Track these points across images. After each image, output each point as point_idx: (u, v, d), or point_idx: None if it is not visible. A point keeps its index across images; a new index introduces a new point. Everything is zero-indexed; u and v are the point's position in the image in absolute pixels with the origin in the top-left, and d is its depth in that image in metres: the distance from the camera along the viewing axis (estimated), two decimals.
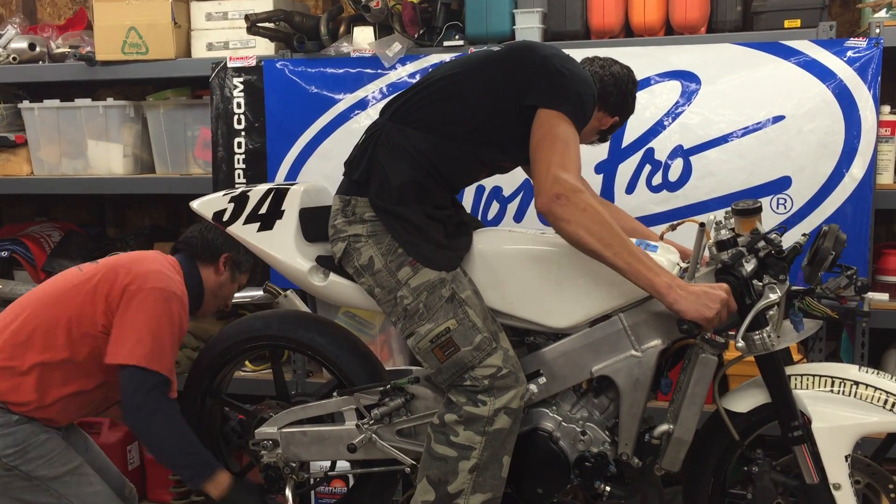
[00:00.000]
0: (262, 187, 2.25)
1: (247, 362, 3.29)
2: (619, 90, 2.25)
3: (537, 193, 1.92)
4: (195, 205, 2.31)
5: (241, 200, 2.23)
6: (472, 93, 2.06)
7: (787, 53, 2.77)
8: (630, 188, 2.94)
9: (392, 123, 2.10)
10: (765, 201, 2.79)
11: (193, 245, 2.42)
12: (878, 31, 2.70)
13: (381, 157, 2.06)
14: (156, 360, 2.18)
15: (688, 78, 2.88)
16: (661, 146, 2.90)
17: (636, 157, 2.94)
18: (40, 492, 2.22)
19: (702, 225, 1.95)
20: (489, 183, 3.04)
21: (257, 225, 2.21)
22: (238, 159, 3.30)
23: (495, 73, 2.07)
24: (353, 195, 2.09)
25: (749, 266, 1.92)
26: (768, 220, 2.72)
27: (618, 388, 2.07)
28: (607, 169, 2.95)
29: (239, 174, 3.30)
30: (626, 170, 2.94)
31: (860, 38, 2.72)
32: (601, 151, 2.94)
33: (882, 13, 2.78)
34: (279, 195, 2.22)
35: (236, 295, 3.22)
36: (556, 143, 1.92)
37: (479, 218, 3.02)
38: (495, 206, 3.08)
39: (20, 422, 2.21)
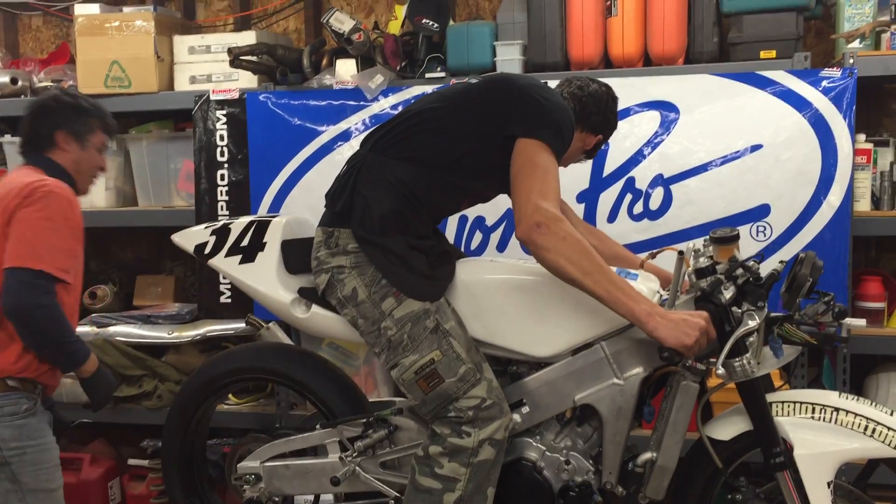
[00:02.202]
0: (244, 219, 2.25)
1: (230, 395, 3.27)
2: (599, 108, 2.27)
3: (518, 221, 1.93)
4: (176, 238, 2.31)
5: (222, 233, 2.23)
6: (451, 125, 2.08)
7: (764, 83, 2.81)
8: (612, 217, 2.96)
9: (373, 155, 2.11)
10: (744, 229, 2.82)
11: (30, 142, 2.37)
12: (851, 61, 2.75)
13: (363, 189, 2.07)
14: (37, 259, 2.14)
15: (667, 108, 2.92)
16: (642, 175, 2.93)
17: (617, 186, 2.97)
18: (14, 497, 2.20)
19: (680, 253, 1.97)
20: (472, 212, 3.06)
21: (239, 257, 2.21)
22: (221, 191, 3.30)
23: (474, 104, 2.09)
24: (336, 227, 2.10)
25: (728, 293, 1.93)
26: (748, 247, 2.75)
27: (601, 416, 2.07)
28: (589, 198, 2.98)
29: (222, 206, 3.30)
30: (607, 198, 2.96)
31: (835, 69, 2.77)
32: (583, 181, 2.97)
33: (855, 44, 2.83)
34: (261, 227, 2.22)
35: (219, 327, 3.23)
36: (535, 171, 1.94)
37: (462, 247, 3.03)
38: (478, 236, 3.09)
39: (28, 412, 2.21)
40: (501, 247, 3.06)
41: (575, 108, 2.20)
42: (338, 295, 2.09)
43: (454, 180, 2.09)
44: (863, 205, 2.83)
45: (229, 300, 3.28)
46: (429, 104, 2.14)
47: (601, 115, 2.27)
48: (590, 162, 2.98)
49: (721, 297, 1.93)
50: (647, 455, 2.05)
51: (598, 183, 2.98)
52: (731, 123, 2.84)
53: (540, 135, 1.98)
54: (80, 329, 3.34)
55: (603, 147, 2.94)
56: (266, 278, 2.20)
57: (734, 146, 2.84)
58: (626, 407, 2.05)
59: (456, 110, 2.10)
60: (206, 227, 2.27)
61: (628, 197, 2.96)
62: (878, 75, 2.78)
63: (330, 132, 3.17)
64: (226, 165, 3.29)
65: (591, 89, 2.27)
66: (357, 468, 2.19)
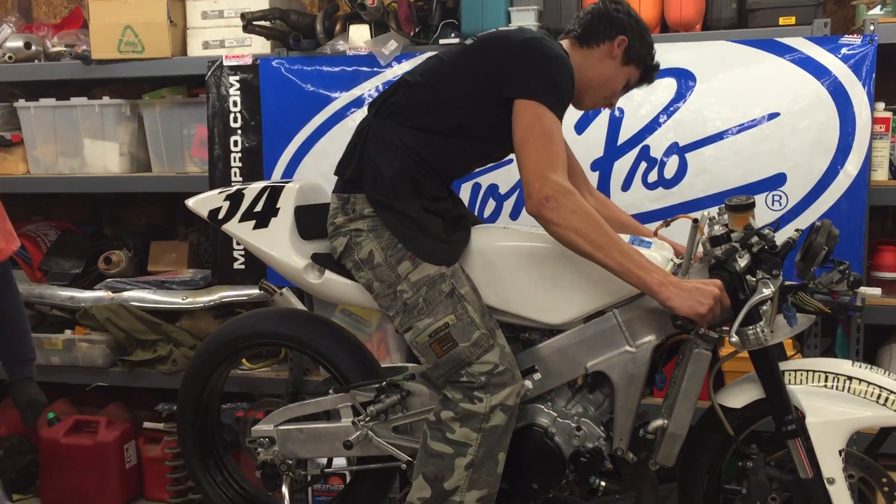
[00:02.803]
0: (258, 185, 2.25)
1: (244, 360, 3.30)
2: (646, 38, 2.18)
3: (527, 197, 1.92)
4: (190, 203, 2.31)
5: (236, 198, 2.24)
6: (449, 90, 2.06)
7: (782, 51, 2.77)
8: (626, 185, 2.94)
9: (379, 119, 2.11)
10: (760, 198, 2.80)
11: None
12: (872, 28, 2.71)
13: (371, 152, 2.07)
14: None
15: (683, 75, 2.89)
16: (657, 143, 2.91)
17: (632, 155, 2.94)
18: None
19: (695, 221, 1.96)
20: (485, 180, 3.05)
21: (252, 223, 2.22)
22: (234, 157, 3.30)
23: (470, 67, 2.06)
24: (351, 192, 2.10)
25: (742, 261, 1.92)
26: (764, 216, 2.72)
27: (612, 383, 2.08)
28: (603, 166, 2.96)
29: (235, 172, 3.30)
30: (622, 167, 2.94)
31: (855, 35, 2.72)
32: (597, 149, 2.94)
33: (876, 10, 2.79)
34: (274, 193, 2.22)
35: (232, 293, 3.25)
36: (539, 139, 1.92)
37: (476, 215, 3.02)
38: (491, 204, 3.08)
39: None
40: (515, 214, 3.05)
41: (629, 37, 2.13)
42: (354, 258, 2.10)
43: (460, 144, 2.08)
44: (880, 174, 2.80)
45: (243, 266, 3.29)
46: (427, 69, 2.13)
47: (645, 45, 2.18)
48: (604, 130, 2.98)
49: (735, 266, 1.92)
50: (658, 422, 2.06)
51: (613, 151, 2.96)
52: (749, 91, 2.81)
53: (538, 95, 1.94)
54: (96, 294, 3.38)
55: (619, 115, 2.96)
56: (279, 244, 2.20)
57: (751, 114, 2.81)
58: (638, 374, 2.05)
59: (453, 75, 2.07)
60: (220, 193, 2.28)
61: (643, 165, 2.94)
62: None
63: (343, 98, 3.16)
64: (239, 132, 3.29)
65: (636, 15, 2.18)
66: (370, 432, 2.21)
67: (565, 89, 2.01)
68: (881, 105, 2.80)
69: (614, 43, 2.13)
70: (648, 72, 2.22)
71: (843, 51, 2.72)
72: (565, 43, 2.16)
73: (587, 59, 2.14)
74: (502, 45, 2.04)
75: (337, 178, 2.18)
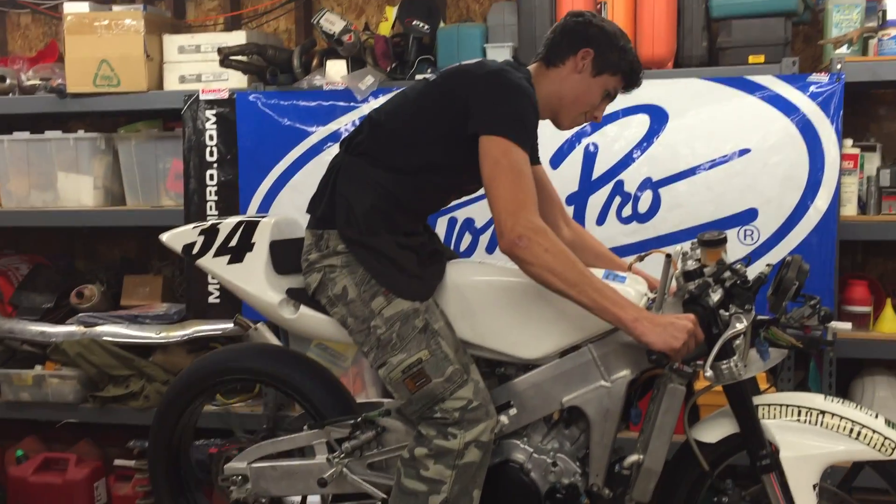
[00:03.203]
0: (233, 220, 2.25)
1: (218, 395, 3.26)
2: (614, 44, 2.10)
3: (499, 235, 1.91)
4: (164, 238, 2.30)
5: (210, 233, 2.22)
6: (414, 127, 2.05)
7: (752, 88, 2.83)
8: (601, 220, 2.97)
9: (349, 157, 2.11)
10: (732, 233, 2.84)
11: None
12: (839, 66, 2.77)
13: (343, 189, 2.07)
14: None
15: (656, 111, 2.93)
16: (631, 178, 2.94)
17: (606, 189, 2.98)
18: None
19: (668, 256, 1.98)
20: (461, 215, 3.06)
21: (227, 258, 2.20)
22: (210, 191, 3.29)
23: (434, 103, 2.05)
24: (324, 228, 2.09)
25: (715, 296, 1.94)
26: (736, 251, 2.76)
27: (588, 418, 2.08)
28: (578, 201, 2.98)
29: (211, 206, 3.29)
30: (596, 201, 2.97)
31: (822, 74, 2.78)
32: (572, 184, 2.97)
33: (843, 49, 2.85)
34: (250, 227, 2.22)
35: (207, 328, 3.22)
36: (508, 175, 1.90)
37: (452, 249, 3.03)
38: (468, 238, 3.10)
39: None
40: (491, 248, 3.06)
41: (594, 47, 2.08)
42: (328, 294, 2.09)
43: (430, 179, 2.08)
44: (849, 209, 2.85)
45: (218, 300, 3.27)
46: (393, 107, 2.12)
47: (618, 51, 2.11)
48: (579, 165, 3.01)
49: (709, 300, 1.94)
50: (634, 457, 2.06)
51: (588, 186, 2.99)
52: (720, 127, 2.85)
53: (503, 131, 1.93)
54: (68, 328, 3.34)
55: (593, 150, 2.99)
56: (254, 279, 2.19)
57: (722, 150, 2.86)
58: (614, 409, 2.05)
59: (417, 112, 2.06)
60: (195, 227, 2.26)
61: (617, 200, 2.97)
62: (866, 81, 2.81)
63: (320, 133, 3.17)
64: (215, 165, 3.28)
65: (598, 23, 2.12)
66: (344, 469, 2.18)
67: (529, 121, 2.00)
68: (849, 142, 2.85)
69: (577, 57, 2.09)
70: (629, 76, 2.15)
71: (812, 88, 2.78)
72: (533, 67, 2.15)
73: (555, 78, 2.11)
74: (464, 80, 2.02)
75: (309, 214, 2.17)
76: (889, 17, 2.80)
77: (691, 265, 1.98)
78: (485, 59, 2.12)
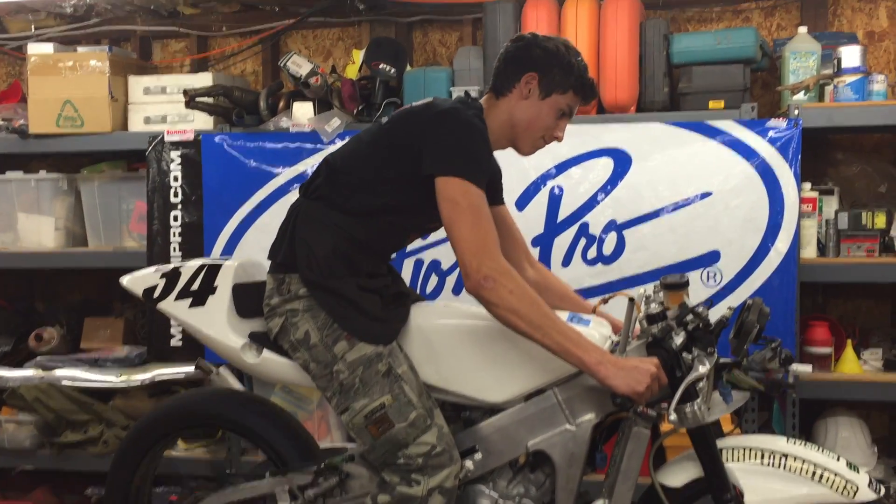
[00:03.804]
0: (195, 263, 2.22)
1: (179, 440, 3.20)
2: (557, 62, 2.05)
3: (464, 276, 1.91)
4: (125, 281, 2.26)
5: (172, 276, 2.19)
6: (369, 171, 2.05)
7: (713, 133, 2.88)
8: (566, 261, 2.99)
9: (308, 201, 2.11)
10: (696, 274, 2.87)
11: None
12: (796, 112, 2.84)
13: (303, 233, 2.06)
14: None
15: (619, 155, 2.98)
16: (596, 220, 2.97)
17: (571, 231, 3.00)
18: None
19: (631, 299, 1.99)
20: (427, 256, 3.07)
21: (189, 301, 2.17)
22: (174, 232, 3.27)
23: (387, 146, 2.04)
24: (286, 273, 2.08)
25: (678, 339, 1.95)
26: (700, 293, 2.78)
27: (553, 462, 2.06)
28: (543, 242, 3.00)
29: (175, 247, 3.26)
30: (561, 243, 3.00)
31: (781, 119, 2.85)
32: (538, 226, 2.99)
33: (800, 95, 2.92)
34: (212, 271, 2.19)
35: (168, 371, 3.17)
36: (468, 217, 1.90)
37: (418, 291, 3.02)
38: (434, 279, 3.10)
39: None
40: (457, 290, 3.06)
41: (538, 67, 2.04)
42: (290, 339, 2.06)
43: (389, 220, 2.07)
44: (809, 252, 2.89)
45: (180, 343, 3.23)
46: (348, 150, 2.12)
47: (562, 68, 2.06)
48: (545, 207, 3.03)
49: (672, 343, 1.95)
50: (599, 502, 2.04)
51: (553, 228, 3.01)
52: (682, 171, 2.90)
53: (458, 171, 1.92)
54: (25, 372, 3.26)
55: (558, 192, 3.01)
56: (216, 322, 2.16)
57: (685, 193, 2.90)
58: (579, 453, 2.04)
59: (371, 156, 2.06)
60: (156, 270, 2.23)
61: (582, 242, 3.00)
62: (823, 126, 2.88)
63: (286, 174, 3.17)
64: (179, 206, 3.26)
65: (541, 45, 2.07)
66: None
67: (482, 158, 1.98)
68: (807, 185, 2.91)
69: (522, 83, 2.05)
70: (581, 90, 2.09)
71: (770, 133, 2.84)
72: (484, 100, 2.14)
73: (505, 108, 2.08)
74: (414, 121, 2.02)
75: (269, 260, 2.15)
76: (844, 64, 2.88)
77: (654, 308, 1.99)
78: (435, 98, 2.09)
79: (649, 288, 2.11)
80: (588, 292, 2.89)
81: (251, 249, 3.13)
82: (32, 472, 3.34)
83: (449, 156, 1.94)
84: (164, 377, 3.19)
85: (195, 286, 2.18)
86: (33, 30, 3.69)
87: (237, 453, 3.12)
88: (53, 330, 3.42)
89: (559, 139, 2.15)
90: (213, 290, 2.17)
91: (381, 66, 3.18)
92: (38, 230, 3.40)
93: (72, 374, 3.25)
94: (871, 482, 1.94)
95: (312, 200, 2.09)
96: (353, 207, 2.05)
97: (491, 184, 2.16)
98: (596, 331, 2.09)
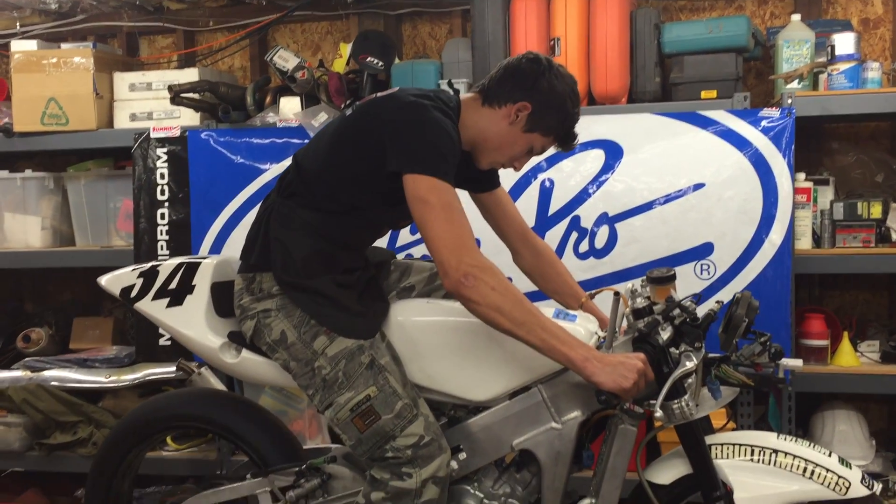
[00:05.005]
0: (173, 261, 2.18)
1: (169, 441, 3.17)
2: (556, 106, 2.00)
3: (443, 274, 1.85)
4: (103, 281, 2.22)
5: (150, 275, 2.15)
6: (333, 168, 1.99)
7: (705, 123, 2.83)
8: (558, 255, 2.92)
9: (280, 199, 2.06)
10: (688, 267, 2.83)
11: None
12: (790, 101, 2.79)
13: (277, 233, 2.01)
14: None
15: (610, 147, 2.93)
16: (587, 214, 2.93)
17: (563, 225, 2.96)
18: None
19: (616, 294, 1.95)
20: (418, 252, 3.02)
21: (167, 301, 2.13)
22: (161, 230, 3.23)
23: (348, 142, 1.98)
24: (257, 272, 2.04)
25: (665, 334, 1.90)
26: (693, 286, 2.74)
27: (539, 461, 2.02)
28: None
29: (162, 245, 3.23)
30: (553, 237, 2.95)
31: (774, 109, 2.80)
32: (529, 219, 2.92)
33: (794, 84, 2.87)
34: (190, 269, 2.15)
35: (158, 371, 3.14)
36: (440, 213, 1.84)
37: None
38: None
39: None
40: None
41: (533, 102, 1.97)
42: (266, 340, 2.02)
43: (361, 216, 2.02)
44: (804, 243, 2.84)
45: (168, 342, 3.19)
46: (313, 146, 2.07)
47: (557, 116, 2.01)
48: (535, 200, 2.99)
49: (658, 338, 1.90)
50: (586, 501, 2.00)
51: (544, 221, 2.96)
52: (674, 162, 2.85)
53: (425, 168, 1.85)
54: (13, 374, 3.23)
55: (549, 186, 2.97)
56: (194, 322, 2.12)
57: (677, 185, 2.85)
58: (565, 451, 2.00)
59: (333, 152, 2.00)
60: (134, 270, 2.19)
61: (574, 235, 2.95)
62: (817, 115, 2.82)
63: (273, 170, 3.12)
64: (166, 204, 3.22)
65: (552, 77, 1.99)
66: None
67: (449, 153, 1.90)
68: (801, 175, 2.86)
69: (514, 108, 1.98)
70: (562, 141, 2.06)
71: (763, 123, 2.79)
72: (468, 97, 2.07)
73: (485, 117, 2.02)
74: (377, 115, 1.95)
75: (241, 261, 2.11)
76: (838, 52, 2.83)
77: (640, 303, 1.95)
78: (399, 89, 2.01)
79: (636, 282, 2.07)
80: (580, 286, 2.83)
81: (239, 247, 3.04)
82: (22, 474, 3.31)
83: (414, 152, 1.88)
84: (154, 377, 3.16)
85: (173, 285, 2.14)
86: (18, 27, 3.65)
87: (227, 454, 3.08)
88: (41, 331, 3.40)
89: (516, 169, 2.12)
90: (191, 289, 2.14)
91: (368, 60, 3.13)
92: (24, 230, 3.37)
93: (60, 375, 3.23)
94: (863, 478, 1.89)
95: (285, 199, 2.04)
96: (321, 205, 2.00)
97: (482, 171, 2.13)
98: (582, 326, 2.05)
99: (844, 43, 2.82)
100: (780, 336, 2.68)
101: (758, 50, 3.05)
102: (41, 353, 3.37)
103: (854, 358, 2.87)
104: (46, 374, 3.23)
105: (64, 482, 3.41)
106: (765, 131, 2.78)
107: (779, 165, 2.77)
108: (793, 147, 2.76)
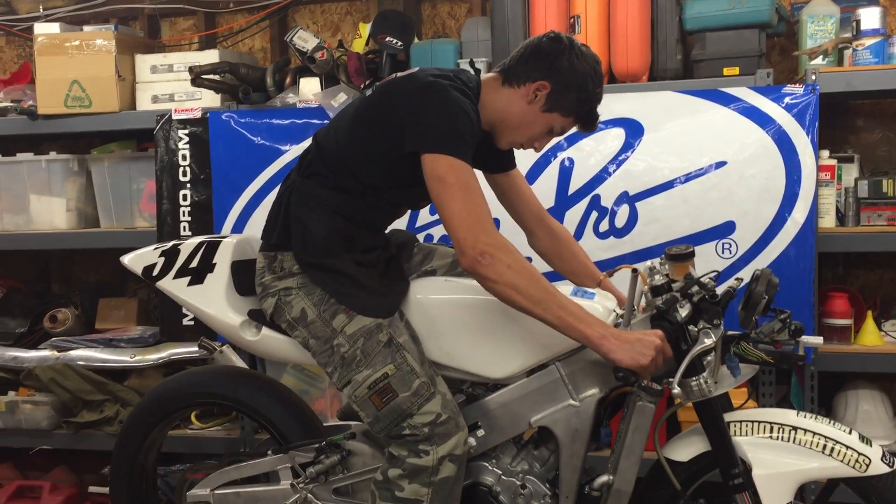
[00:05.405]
0: (194, 240, 2.21)
1: (194, 419, 3.21)
2: (577, 85, 1.98)
3: (460, 253, 1.86)
4: (126, 260, 2.26)
5: (171, 254, 2.18)
6: (353, 148, 2.00)
7: (727, 100, 2.80)
8: (577, 235, 2.93)
9: (301, 179, 2.07)
10: (710, 246, 2.80)
11: None
12: (814, 77, 2.74)
13: (298, 213, 2.03)
14: None
15: (631, 125, 2.90)
16: (607, 193, 2.91)
17: (583, 204, 2.94)
18: None
19: (634, 271, 1.94)
20: (437, 233, 3.03)
21: (188, 279, 2.16)
22: (183, 212, 3.25)
23: (368, 123, 1.99)
24: (278, 251, 2.05)
25: (683, 311, 1.90)
26: (714, 264, 2.72)
27: (557, 439, 2.03)
28: (555, 216, 2.88)
29: (184, 227, 3.25)
30: (573, 217, 2.94)
31: (797, 85, 2.75)
32: (548, 199, 2.93)
33: (818, 60, 2.82)
34: (211, 248, 2.18)
35: (182, 350, 3.18)
36: (457, 192, 1.85)
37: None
38: None
39: None
40: None
41: (552, 84, 1.97)
42: (286, 318, 2.04)
43: (380, 196, 2.03)
44: (827, 221, 2.81)
45: (192, 322, 3.22)
46: (333, 126, 2.08)
47: (577, 96, 1.99)
48: (555, 180, 2.97)
49: (677, 315, 1.89)
50: (604, 478, 2.00)
51: (564, 201, 2.95)
52: (695, 140, 2.82)
53: (443, 147, 1.86)
54: (41, 353, 3.29)
55: (569, 165, 2.95)
56: (215, 300, 2.14)
57: (698, 163, 2.82)
58: (583, 429, 2.00)
59: (353, 132, 2.01)
60: (156, 249, 2.23)
61: (594, 215, 2.94)
62: (841, 91, 2.78)
63: (293, 151, 3.13)
64: (188, 185, 3.25)
65: (573, 57, 1.97)
66: (309, 495, 2.13)
67: (467, 133, 1.91)
68: (825, 153, 2.82)
69: (532, 87, 1.99)
70: (583, 122, 2.06)
71: (787, 100, 2.75)
72: (489, 76, 2.07)
73: (505, 97, 2.02)
74: (396, 95, 1.96)
75: (262, 240, 2.13)
76: (863, 27, 2.78)
77: (659, 280, 1.94)
78: (419, 70, 2.02)
79: (655, 260, 2.06)
80: (600, 266, 2.77)
81: (261, 227, 3.07)
82: (51, 452, 3.37)
83: (433, 132, 1.88)
84: (179, 356, 3.20)
85: (194, 263, 2.17)
86: (41, 10, 3.69)
87: (251, 431, 3.12)
88: (68, 311, 3.44)
89: (537, 150, 2.11)
90: (211, 268, 2.16)
91: (387, 40, 3.13)
92: (49, 211, 3.41)
93: (86, 355, 3.27)
94: (884, 455, 1.88)
95: (305, 178, 2.06)
96: (342, 184, 2.01)
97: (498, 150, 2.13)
98: (600, 304, 2.04)
99: (870, 17, 2.77)
100: (802, 315, 2.65)
101: (781, 25, 3.01)
102: (67, 333, 3.42)
103: (878, 337, 2.84)
104: (73, 353, 3.28)
105: (91, 460, 3.47)
106: (788, 108, 2.75)
107: (802, 143, 2.74)
108: (816, 124, 2.72)
